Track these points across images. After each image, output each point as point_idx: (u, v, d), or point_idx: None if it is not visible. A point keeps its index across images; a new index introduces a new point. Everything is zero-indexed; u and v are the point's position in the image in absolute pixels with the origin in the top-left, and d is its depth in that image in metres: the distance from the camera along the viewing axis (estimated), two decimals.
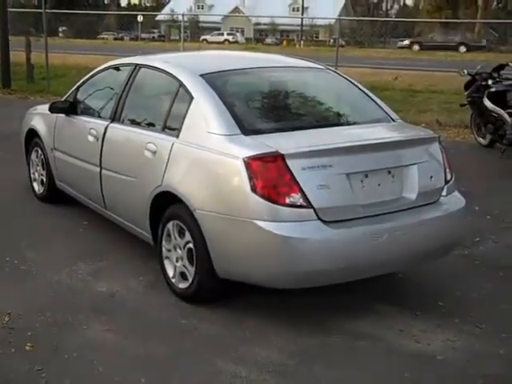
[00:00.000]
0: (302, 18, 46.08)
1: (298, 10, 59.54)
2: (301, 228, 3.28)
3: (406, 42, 38.40)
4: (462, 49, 34.71)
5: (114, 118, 4.54)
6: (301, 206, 3.30)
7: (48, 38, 14.25)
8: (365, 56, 26.50)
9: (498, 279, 4.24)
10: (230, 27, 57.28)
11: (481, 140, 8.79)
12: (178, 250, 3.80)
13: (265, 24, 56.12)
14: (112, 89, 4.81)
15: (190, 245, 3.66)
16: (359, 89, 4.44)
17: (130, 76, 4.55)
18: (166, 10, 57.86)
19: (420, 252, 3.69)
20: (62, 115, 5.20)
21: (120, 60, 5.09)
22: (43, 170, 5.63)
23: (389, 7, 75.03)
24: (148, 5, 74.36)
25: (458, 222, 3.89)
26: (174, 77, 4.12)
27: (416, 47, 37.00)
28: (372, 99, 4.35)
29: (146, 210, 4.01)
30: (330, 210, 3.37)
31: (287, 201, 3.29)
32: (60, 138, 5.29)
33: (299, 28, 46.60)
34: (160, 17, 54.44)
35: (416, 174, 3.67)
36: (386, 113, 4.25)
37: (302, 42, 43.51)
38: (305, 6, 55.08)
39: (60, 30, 39.82)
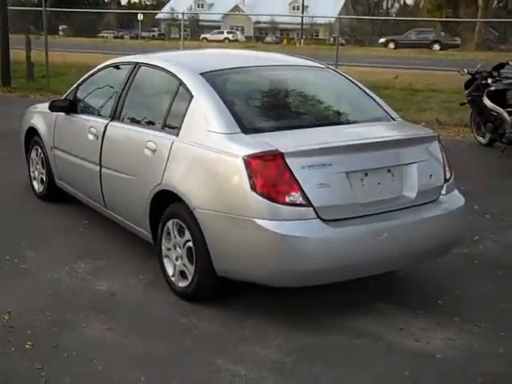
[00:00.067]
0: (302, 17, 46.08)
1: (298, 9, 59.49)
2: (300, 227, 3.28)
3: (382, 40, 38.91)
4: (436, 47, 35.41)
5: (114, 116, 4.54)
6: (300, 205, 3.30)
7: (48, 36, 14.25)
8: (365, 55, 26.49)
9: (498, 278, 4.24)
10: (229, 26, 57.21)
11: (480, 139, 8.79)
12: (178, 249, 3.80)
13: (265, 22, 56.05)
14: (112, 87, 4.80)
15: (190, 243, 3.66)
16: (359, 88, 4.44)
17: (130, 74, 4.55)
18: (166, 8, 57.82)
19: (420, 251, 3.69)
20: (62, 114, 5.20)
21: (120, 58, 5.08)
22: (43, 168, 5.63)
23: (389, 6, 75.02)
24: (148, 3, 74.28)
25: (457, 220, 3.89)
26: (174, 75, 4.12)
27: (391, 45, 37.58)
28: (372, 98, 4.35)
29: (145, 209, 4.01)
30: (330, 208, 3.37)
31: (287, 199, 3.29)
32: (60, 137, 5.29)
33: (299, 26, 46.56)
34: (160, 15, 54.39)
35: (416, 173, 3.67)
36: (386, 112, 4.25)
37: (302, 41, 43.47)
38: (305, 4, 55.00)
39: (60, 28, 39.74)
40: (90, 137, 4.68)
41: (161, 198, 3.88)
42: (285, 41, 48.12)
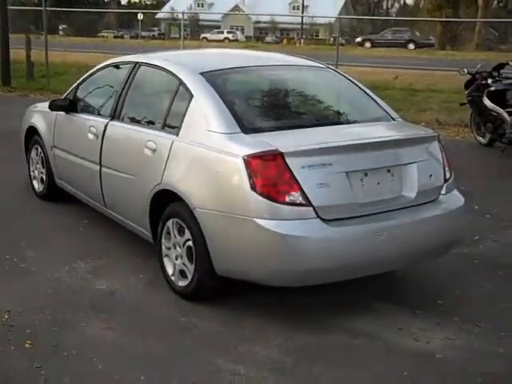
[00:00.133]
0: (302, 17, 46.06)
1: (298, 9, 59.48)
2: (300, 226, 3.29)
3: (358, 39, 39.75)
4: (411, 46, 35.93)
5: (114, 115, 4.55)
6: (300, 205, 3.30)
7: (48, 35, 14.25)
8: (365, 55, 26.48)
9: (498, 278, 4.24)
10: (230, 25, 57.20)
11: (480, 139, 8.79)
12: (178, 248, 3.80)
13: (265, 22, 56.03)
14: (112, 87, 4.81)
15: (190, 243, 3.66)
16: (359, 88, 4.44)
17: (130, 74, 4.55)
18: (166, 8, 57.75)
19: (419, 250, 3.70)
20: (62, 113, 5.20)
21: (120, 58, 5.08)
22: (43, 167, 5.63)
23: (389, 6, 75.03)
24: (148, 3, 74.25)
25: (457, 220, 3.90)
26: (174, 75, 4.12)
27: (368, 44, 38.30)
28: (372, 98, 4.36)
29: (145, 208, 4.01)
30: (330, 208, 3.37)
31: (287, 199, 3.29)
32: (60, 136, 5.29)
33: (299, 26, 46.55)
34: (160, 15, 54.37)
35: (415, 173, 3.68)
36: (386, 112, 4.25)
37: (302, 41, 43.47)
38: (305, 4, 54.97)
39: (60, 27, 39.75)
40: (90, 136, 4.68)
41: (161, 197, 3.88)
42: (285, 41, 48.10)
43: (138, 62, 4.60)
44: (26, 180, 5.99)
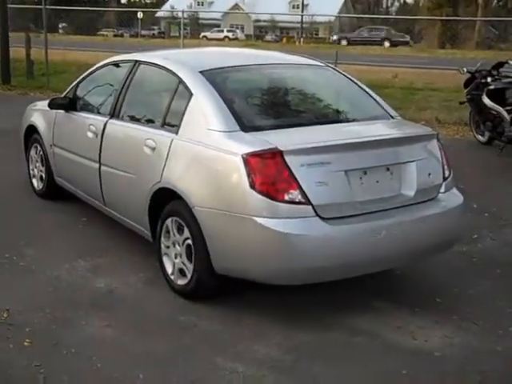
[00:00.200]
0: (301, 15, 46.00)
1: (297, 7, 59.39)
2: (299, 225, 3.29)
3: (335, 37, 41.03)
4: (386, 44, 36.72)
5: (114, 114, 4.55)
6: (299, 203, 3.30)
7: (48, 34, 14.22)
8: (365, 53, 26.47)
9: (496, 276, 4.24)
10: (229, 24, 57.15)
11: (480, 137, 8.79)
12: (177, 247, 3.80)
13: (265, 21, 56.01)
14: (111, 85, 4.80)
15: (189, 241, 3.66)
16: (358, 86, 4.44)
17: (130, 72, 4.56)
18: (166, 6, 57.67)
19: (418, 249, 3.70)
20: (62, 111, 5.20)
21: (119, 56, 5.08)
22: (42, 166, 5.63)
23: (389, 4, 74.97)
24: (148, 1, 74.15)
25: (456, 218, 3.90)
26: (174, 73, 4.12)
27: (344, 42, 39.28)
28: (371, 96, 4.36)
29: (145, 207, 4.01)
30: (329, 206, 3.37)
31: (286, 197, 3.29)
32: (59, 134, 5.29)
33: (299, 25, 46.52)
34: (160, 13, 54.32)
35: (414, 171, 3.68)
36: (385, 110, 4.25)
37: (301, 39, 43.46)
38: (305, 3, 54.95)
39: (60, 26, 39.74)
40: (90, 134, 4.68)
41: (160, 195, 3.88)
42: (285, 39, 48.07)
43: (137, 61, 4.60)
44: (26, 178, 5.99)
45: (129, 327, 3.45)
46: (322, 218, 3.34)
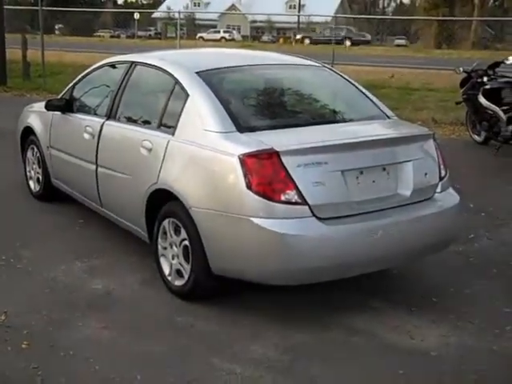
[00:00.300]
0: (298, 16, 46.07)
1: (294, 8, 59.51)
2: (296, 225, 3.29)
3: (298, 36, 42.87)
4: (348, 43, 37.10)
5: (110, 115, 4.54)
6: (296, 203, 3.31)
7: (44, 35, 14.22)
8: (361, 54, 26.50)
9: (492, 276, 4.25)
10: (226, 25, 57.18)
11: (476, 137, 8.81)
12: (174, 248, 3.81)
13: (261, 21, 56.07)
14: (108, 86, 4.80)
15: (186, 242, 3.67)
16: (355, 86, 4.45)
17: (126, 73, 4.55)
18: (163, 7, 57.73)
19: (415, 248, 3.71)
20: (58, 113, 5.20)
21: (116, 57, 5.08)
22: (39, 167, 5.63)
23: (385, 5, 75.09)
24: (144, 2, 74.16)
25: (452, 218, 3.91)
26: (170, 74, 4.12)
27: (307, 41, 41.55)
28: (367, 97, 4.37)
29: (141, 208, 4.01)
30: (325, 206, 3.38)
31: (282, 198, 3.30)
32: (56, 136, 5.29)
33: (296, 25, 46.57)
34: (156, 14, 54.36)
35: (411, 171, 3.69)
36: (382, 110, 4.26)
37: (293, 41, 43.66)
38: (301, 3, 55.03)
39: (56, 27, 39.70)
40: (86, 136, 4.68)
41: (157, 196, 3.88)
42: (281, 40, 48.10)
43: (134, 62, 4.60)
44: (22, 180, 5.98)
45: (126, 328, 3.45)
46: (319, 218, 3.34)
